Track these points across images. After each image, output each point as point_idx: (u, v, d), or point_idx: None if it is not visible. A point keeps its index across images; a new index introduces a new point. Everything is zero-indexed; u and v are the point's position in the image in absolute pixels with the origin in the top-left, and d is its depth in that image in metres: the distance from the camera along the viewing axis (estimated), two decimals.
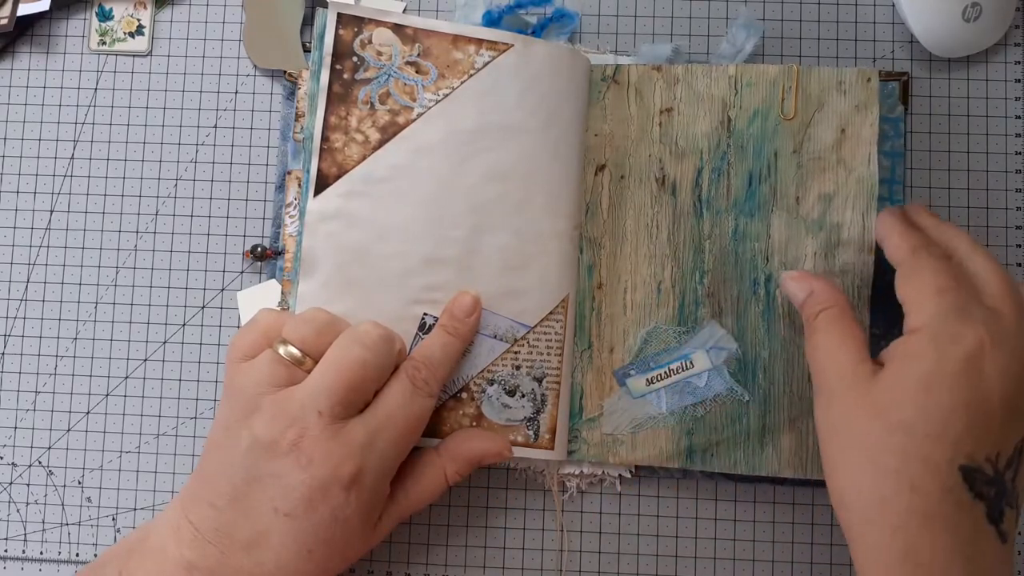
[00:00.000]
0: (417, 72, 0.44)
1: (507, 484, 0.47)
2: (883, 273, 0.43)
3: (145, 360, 0.49)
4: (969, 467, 0.34)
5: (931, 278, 0.37)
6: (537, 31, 0.48)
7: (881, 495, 0.35)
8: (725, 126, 0.45)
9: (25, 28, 0.51)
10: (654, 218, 0.46)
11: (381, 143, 0.44)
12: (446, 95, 0.44)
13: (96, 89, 0.50)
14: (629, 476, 0.46)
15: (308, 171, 0.44)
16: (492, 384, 0.44)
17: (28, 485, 0.48)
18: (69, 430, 0.49)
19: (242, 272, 0.49)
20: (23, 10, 0.50)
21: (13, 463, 0.49)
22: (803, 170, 0.45)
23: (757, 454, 0.44)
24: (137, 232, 0.49)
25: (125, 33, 0.50)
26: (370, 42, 0.44)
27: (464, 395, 0.44)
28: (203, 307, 0.49)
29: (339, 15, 0.44)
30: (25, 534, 0.48)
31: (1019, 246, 0.47)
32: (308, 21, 0.49)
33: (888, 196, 0.46)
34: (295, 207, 0.48)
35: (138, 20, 0.50)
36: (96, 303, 0.49)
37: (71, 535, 0.48)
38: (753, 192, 0.45)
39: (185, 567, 0.38)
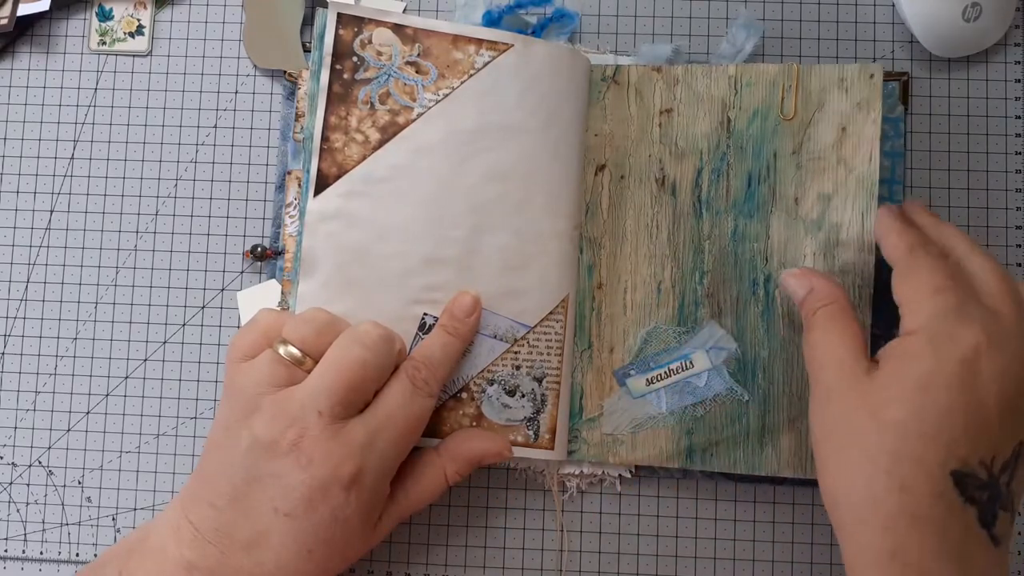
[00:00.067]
0: (417, 72, 0.44)
1: (507, 484, 0.47)
2: (883, 272, 0.43)
3: (145, 360, 0.49)
4: (961, 472, 0.34)
5: (928, 277, 0.36)
6: (537, 31, 0.48)
7: (872, 494, 0.35)
8: (725, 127, 0.45)
9: (25, 28, 0.51)
10: (654, 218, 0.46)
11: (381, 143, 0.44)
12: (446, 95, 0.44)
13: (96, 89, 0.50)
14: (629, 476, 0.46)
15: (308, 171, 0.44)
16: (492, 384, 0.44)
17: (28, 485, 0.48)
18: (69, 430, 0.49)
19: (242, 272, 0.49)
20: (23, 10, 0.50)
21: (13, 463, 0.49)
22: (802, 170, 0.44)
23: (757, 454, 0.44)
24: (137, 232, 0.49)
25: (125, 33, 0.50)
26: (370, 42, 0.44)
27: (464, 395, 0.44)
28: (203, 307, 0.49)
29: (339, 15, 0.44)
30: (25, 534, 0.48)
31: (1019, 246, 0.47)
32: (308, 21, 0.49)
33: (888, 196, 0.46)
34: (295, 207, 0.48)
35: (138, 20, 0.50)
36: (96, 303, 0.49)
37: (71, 535, 0.48)
38: (752, 193, 0.45)
39: (185, 567, 0.38)
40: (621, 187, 0.46)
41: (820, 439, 0.37)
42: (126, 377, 0.49)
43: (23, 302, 0.49)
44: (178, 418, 0.48)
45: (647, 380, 0.45)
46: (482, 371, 0.44)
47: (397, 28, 0.44)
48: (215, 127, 0.50)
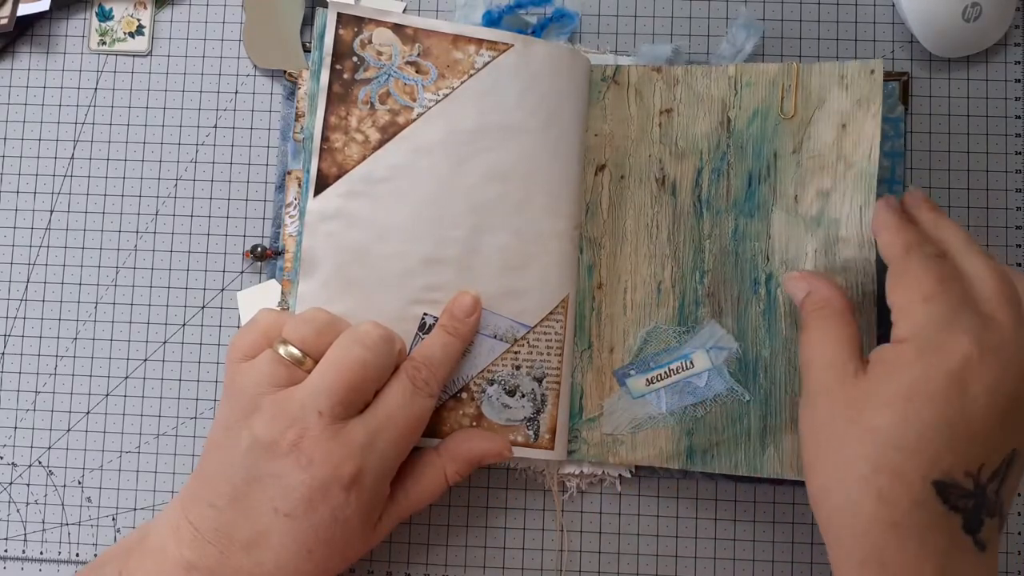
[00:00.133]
0: (417, 72, 0.44)
1: (507, 484, 0.47)
2: (885, 269, 0.43)
3: (145, 360, 0.49)
4: (944, 482, 0.33)
5: (920, 283, 0.35)
6: (537, 31, 0.48)
7: (851, 499, 0.34)
8: (725, 127, 0.45)
9: (25, 28, 0.51)
10: (654, 218, 0.46)
11: (381, 143, 0.44)
12: (446, 95, 0.44)
13: (96, 89, 0.50)
14: (629, 476, 0.46)
15: (308, 171, 0.44)
16: (492, 384, 0.44)
17: (28, 485, 0.48)
18: (69, 430, 0.49)
19: (242, 272, 0.49)
20: (23, 10, 0.50)
21: (13, 463, 0.49)
22: (802, 169, 0.44)
23: (758, 455, 0.44)
24: (137, 232, 0.49)
25: (125, 33, 0.50)
26: (370, 42, 0.44)
27: (464, 395, 0.44)
28: (203, 307, 0.49)
29: (339, 15, 0.44)
30: (25, 534, 0.48)
31: (1019, 246, 0.47)
32: (308, 21, 0.49)
33: None
34: (295, 207, 0.48)
35: (138, 20, 0.50)
36: (96, 303, 0.49)
37: (71, 535, 0.48)
38: (753, 192, 0.45)
39: (185, 567, 0.38)
40: (621, 187, 0.46)
41: (805, 439, 0.37)
42: (126, 377, 0.49)
43: (23, 302, 0.49)
44: (178, 418, 0.48)
45: (647, 380, 0.45)
46: (482, 371, 0.44)
47: (397, 28, 0.44)
48: (215, 127, 0.50)
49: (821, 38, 0.48)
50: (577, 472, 0.46)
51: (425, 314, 0.44)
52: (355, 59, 0.44)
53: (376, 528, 0.41)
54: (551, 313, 0.45)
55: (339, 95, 0.44)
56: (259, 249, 0.48)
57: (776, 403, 0.44)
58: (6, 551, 0.48)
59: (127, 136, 0.50)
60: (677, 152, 0.46)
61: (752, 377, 0.44)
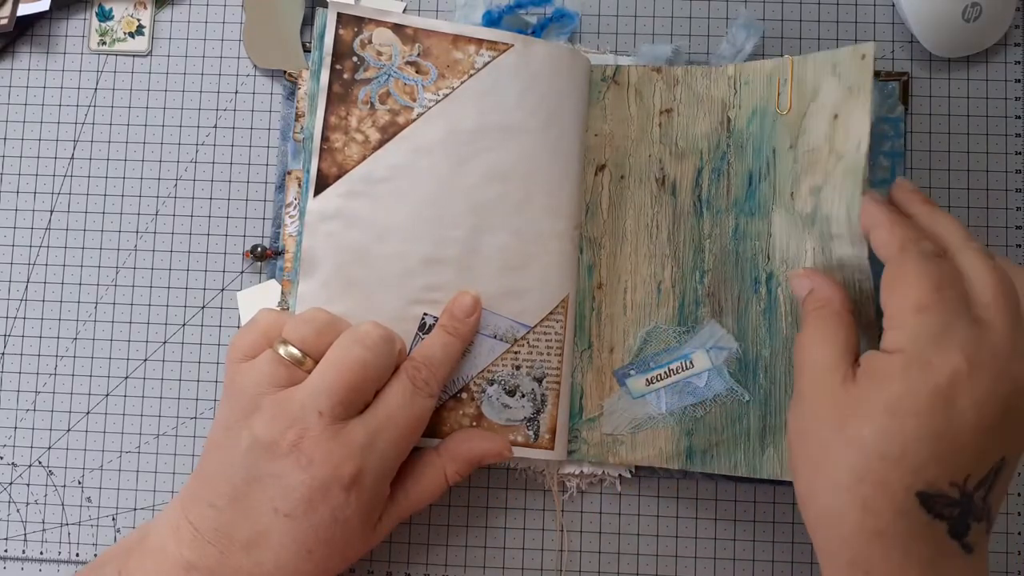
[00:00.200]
0: (417, 72, 0.44)
1: (507, 484, 0.47)
2: (878, 264, 0.41)
3: (145, 360, 0.49)
4: (928, 493, 0.33)
5: (913, 290, 0.34)
6: (537, 31, 0.48)
7: (834, 505, 0.34)
8: (725, 126, 0.45)
9: (25, 28, 0.51)
10: (654, 218, 0.46)
11: (381, 143, 0.44)
12: (446, 95, 0.44)
13: (96, 89, 0.50)
14: (629, 476, 0.46)
15: (308, 171, 0.44)
16: (492, 384, 0.44)
17: (28, 485, 0.48)
18: (69, 430, 0.49)
19: (242, 272, 0.49)
20: (23, 10, 0.50)
21: (13, 463, 0.49)
22: (798, 165, 0.43)
23: (758, 455, 0.44)
24: (137, 232, 0.49)
25: (125, 33, 0.50)
26: (370, 42, 0.44)
27: (464, 395, 0.44)
28: (203, 307, 0.49)
29: (339, 15, 0.44)
30: (25, 534, 0.48)
31: (1019, 246, 0.47)
32: (308, 21, 0.49)
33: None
34: (295, 207, 0.48)
35: (138, 20, 0.50)
36: (96, 303, 0.49)
37: (71, 535, 0.48)
38: (753, 191, 0.45)
39: (184, 567, 0.38)
40: (621, 187, 0.46)
41: (792, 440, 0.37)
42: (126, 377, 0.49)
43: (23, 302, 0.49)
44: (178, 418, 0.48)
45: (647, 380, 0.45)
46: (482, 371, 0.44)
47: (397, 28, 0.44)
48: (215, 127, 0.50)
49: (821, 38, 0.48)
50: (577, 472, 0.46)
51: (425, 314, 0.44)
52: (355, 59, 0.44)
53: (376, 528, 0.41)
54: (551, 313, 0.45)
55: (339, 95, 0.44)
56: (259, 249, 0.48)
57: (776, 403, 0.44)
58: (6, 551, 0.48)
59: (127, 136, 0.50)
60: (677, 152, 0.46)
61: (752, 377, 0.44)
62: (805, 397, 0.36)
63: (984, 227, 0.47)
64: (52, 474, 0.48)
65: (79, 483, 0.48)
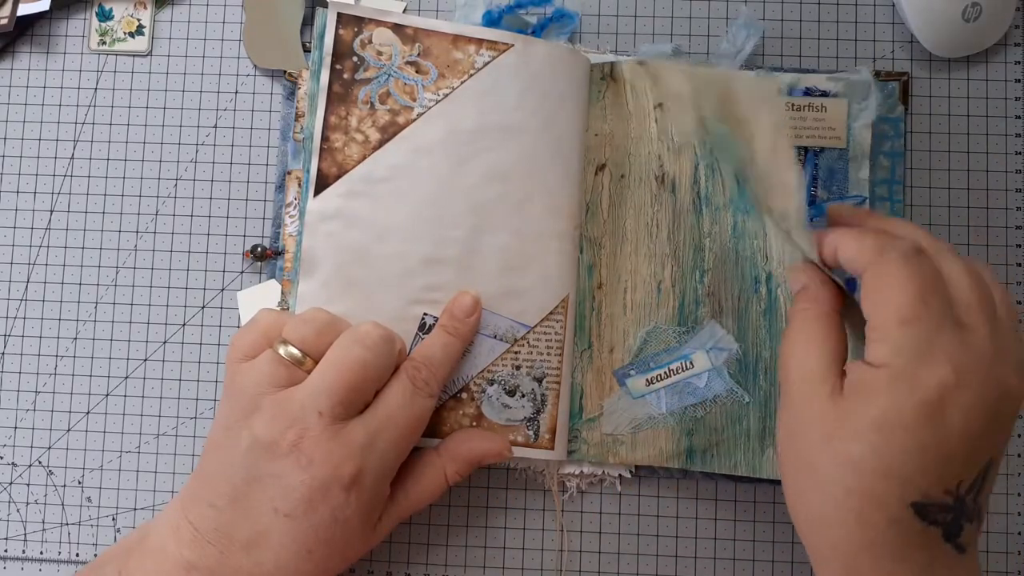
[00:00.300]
0: (417, 72, 0.44)
1: (507, 484, 0.47)
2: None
3: (145, 360, 0.49)
4: (922, 503, 0.33)
5: (897, 299, 0.33)
6: (537, 31, 0.48)
7: (825, 516, 0.34)
8: (702, 124, 0.45)
9: (25, 28, 0.51)
10: (654, 217, 0.46)
11: (381, 143, 0.44)
12: (446, 95, 0.44)
13: (96, 89, 0.50)
14: (629, 476, 0.46)
15: (308, 171, 0.44)
16: (492, 384, 0.44)
17: (28, 485, 0.48)
18: (69, 430, 0.49)
19: (242, 272, 0.49)
20: (23, 10, 0.50)
21: (13, 463, 0.49)
22: (758, 168, 0.40)
23: (757, 456, 0.44)
24: (137, 232, 0.49)
25: (125, 33, 0.50)
26: (370, 42, 0.44)
27: (464, 395, 0.44)
28: (203, 307, 0.49)
29: (339, 15, 0.44)
30: (25, 534, 0.48)
31: (1019, 246, 0.47)
32: (308, 21, 0.49)
33: (888, 196, 0.46)
34: (295, 207, 0.48)
35: (138, 20, 0.50)
36: (96, 303, 0.49)
37: (71, 535, 0.48)
38: (743, 189, 0.45)
39: (184, 567, 0.38)
40: (621, 186, 0.46)
41: (782, 447, 0.36)
42: (126, 377, 0.49)
43: (23, 302, 0.49)
44: (178, 418, 0.48)
45: (647, 380, 0.45)
46: (482, 371, 0.44)
47: (397, 28, 0.44)
48: (215, 127, 0.50)
49: (821, 38, 0.48)
50: (577, 472, 0.46)
51: (425, 314, 0.44)
52: (355, 59, 0.44)
53: (376, 528, 0.41)
54: (551, 313, 0.45)
55: (339, 95, 0.44)
56: (259, 249, 0.48)
57: (775, 405, 0.44)
58: (6, 551, 0.48)
59: (127, 136, 0.50)
60: (674, 147, 0.46)
61: (752, 378, 0.44)
62: (793, 406, 0.35)
63: (984, 227, 0.47)
64: (52, 474, 0.48)
65: (79, 483, 0.48)
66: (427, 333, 0.43)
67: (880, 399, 0.33)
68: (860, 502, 0.33)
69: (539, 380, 0.45)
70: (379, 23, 0.44)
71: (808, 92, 0.46)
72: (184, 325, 0.49)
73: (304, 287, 0.43)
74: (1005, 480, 0.46)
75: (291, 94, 0.49)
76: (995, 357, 0.33)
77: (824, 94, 0.46)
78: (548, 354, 0.45)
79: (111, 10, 0.50)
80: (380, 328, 0.41)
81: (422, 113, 0.44)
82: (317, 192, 0.43)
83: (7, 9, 0.50)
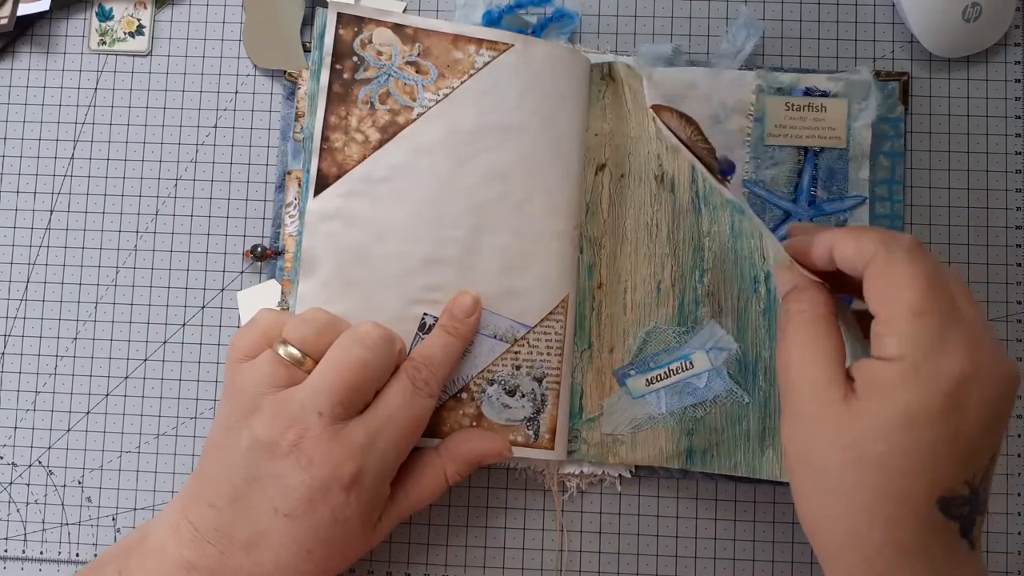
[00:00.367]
0: (417, 72, 0.44)
1: (507, 484, 0.47)
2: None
3: (145, 360, 0.49)
4: (947, 498, 0.33)
5: (907, 292, 0.33)
6: (537, 31, 0.48)
7: (852, 527, 0.33)
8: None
9: (25, 28, 0.51)
10: (654, 216, 0.46)
11: (381, 143, 0.44)
12: (446, 95, 0.44)
13: (96, 89, 0.50)
14: (629, 476, 0.46)
15: (308, 171, 0.44)
16: (492, 384, 0.44)
17: (28, 485, 0.48)
18: (69, 430, 0.49)
19: (242, 272, 0.49)
20: (23, 10, 0.50)
21: (13, 463, 0.49)
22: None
23: (757, 456, 0.44)
24: (137, 232, 0.49)
25: (125, 33, 0.50)
26: (370, 42, 0.44)
27: (464, 395, 0.44)
28: (203, 307, 0.49)
29: (339, 15, 0.44)
30: (25, 534, 0.48)
31: (1019, 246, 0.47)
32: (308, 21, 0.49)
33: (888, 196, 0.46)
34: (295, 207, 0.48)
35: (138, 20, 0.50)
36: (96, 303, 0.49)
37: (71, 535, 0.48)
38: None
39: (184, 567, 0.38)
40: (621, 186, 0.46)
41: (793, 462, 0.35)
42: (126, 377, 0.49)
43: (23, 302, 0.49)
44: (178, 418, 0.48)
45: (647, 380, 0.45)
46: (482, 371, 0.44)
47: (397, 28, 0.44)
48: (215, 127, 0.50)
49: (821, 38, 0.48)
50: (577, 472, 0.46)
51: (425, 314, 0.44)
52: (355, 59, 0.44)
53: (376, 528, 0.41)
54: (551, 313, 0.45)
55: (339, 95, 0.44)
56: (259, 249, 0.48)
57: (775, 406, 0.44)
58: (6, 551, 0.48)
59: (127, 136, 0.50)
60: (672, 146, 0.46)
61: (752, 379, 0.44)
62: (801, 419, 0.35)
63: (984, 227, 0.47)
64: (52, 474, 0.48)
65: (79, 483, 0.48)
66: (427, 333, 0.43)
67: (900, 394, 0.32)
68: (887, 503, 0.33)
69: (539, 380, 0.45)
70: (379, 23, 0.44)
71: (808, 92, 0.46)
72: (184, 325, 0.49)
73: (304, 287, 0.43)
74: (1005, 480, 0.46)
75: (291, 94, 0.49)
76: (995, 345, 0.34)
77: (824, 94, 0.46)
78: (548, 354, 0.45)
79: (111, 10, 0.50)
80: (380, 328, 0.41)
81: (422, 113, 0.44)
82: (317, 192, 0.43)
83: (7, 9, 0.50)
